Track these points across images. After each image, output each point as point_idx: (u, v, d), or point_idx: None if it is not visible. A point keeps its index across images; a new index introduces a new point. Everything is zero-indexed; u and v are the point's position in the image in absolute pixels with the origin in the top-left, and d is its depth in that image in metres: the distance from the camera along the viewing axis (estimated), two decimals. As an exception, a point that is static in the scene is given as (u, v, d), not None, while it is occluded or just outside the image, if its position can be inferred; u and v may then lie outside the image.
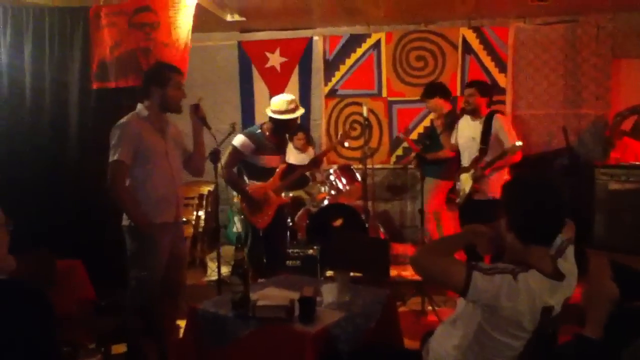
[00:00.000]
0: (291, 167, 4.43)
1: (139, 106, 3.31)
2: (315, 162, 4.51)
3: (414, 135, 6.21)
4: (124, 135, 3.15)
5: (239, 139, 4.05)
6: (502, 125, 4.35)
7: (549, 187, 1.94)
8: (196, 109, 3.37)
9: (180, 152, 3.44)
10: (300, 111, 4.11)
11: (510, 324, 1.85)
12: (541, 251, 1.92)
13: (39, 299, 1.62)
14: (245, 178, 4.17)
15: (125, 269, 3.31)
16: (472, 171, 4.41)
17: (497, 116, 4.41)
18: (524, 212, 1.91)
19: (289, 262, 4.83)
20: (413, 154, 5.49)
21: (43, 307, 1.61)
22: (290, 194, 5.55)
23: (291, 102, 4.05)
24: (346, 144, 5.52)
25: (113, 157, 3.13)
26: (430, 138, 5.21)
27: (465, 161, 4.54)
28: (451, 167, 4.97)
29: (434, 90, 5.26)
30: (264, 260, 4.13)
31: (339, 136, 5.56)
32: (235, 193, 4.54)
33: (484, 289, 1.82)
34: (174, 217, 3.35)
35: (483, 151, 4.36)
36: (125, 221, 3.23)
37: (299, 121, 4.34)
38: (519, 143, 4.18)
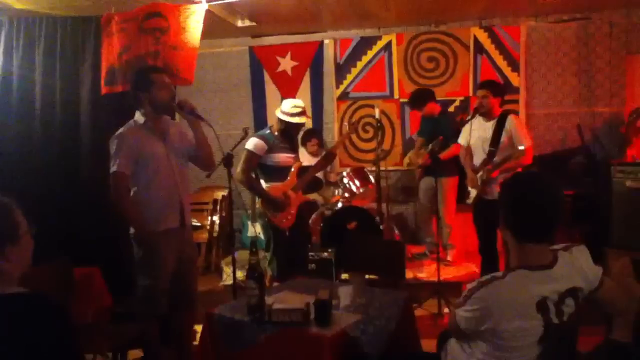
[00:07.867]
0: (306, 167, 4.45)
1: (137, 113, 3.24)
2: (329, 156, 4.50)
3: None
4: (120, 146, 3.11)
5: (252, 142, 4.08)
6: (516, 127, 4.30)
7: (538, 184, 1.88)
8: (180, 105, 3.23)
9: (186, 152, 3.33)
10: (303, 119, 4.13)
11: (513, 331, 1.77)
12: (536, 249, 1.85)
13: (59, 314, 1.60)
14: (262, 182, 4.18)
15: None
16: (480, 173, 4.37)
17: (511, 117, 4.36)
18: (513, 210, 1.89)
19: (303, 266, 4.82)
20: (420, 162, 5.53)
21: (63, 321, 1.59)
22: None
23: (297, 107, 4.10)
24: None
25: (112, 168, 3.11)
26: (437, 132, 5.08)
27: (477, 162, 4.50)
28: (455, 161, 5.01)
29: (425, 96, 5.45)
30: (288, 263, 4.11)
31: (347, 127, 5.56)
32: (257, 199, 4.55)
33: (466, 316, 1.84)
34: (179, 222, 3.26)
35: (492, 153, 4.31)
36: (132, 229, 3.20)
37: (305, 125, 4.38)
38: (521, 147, 4.15)
